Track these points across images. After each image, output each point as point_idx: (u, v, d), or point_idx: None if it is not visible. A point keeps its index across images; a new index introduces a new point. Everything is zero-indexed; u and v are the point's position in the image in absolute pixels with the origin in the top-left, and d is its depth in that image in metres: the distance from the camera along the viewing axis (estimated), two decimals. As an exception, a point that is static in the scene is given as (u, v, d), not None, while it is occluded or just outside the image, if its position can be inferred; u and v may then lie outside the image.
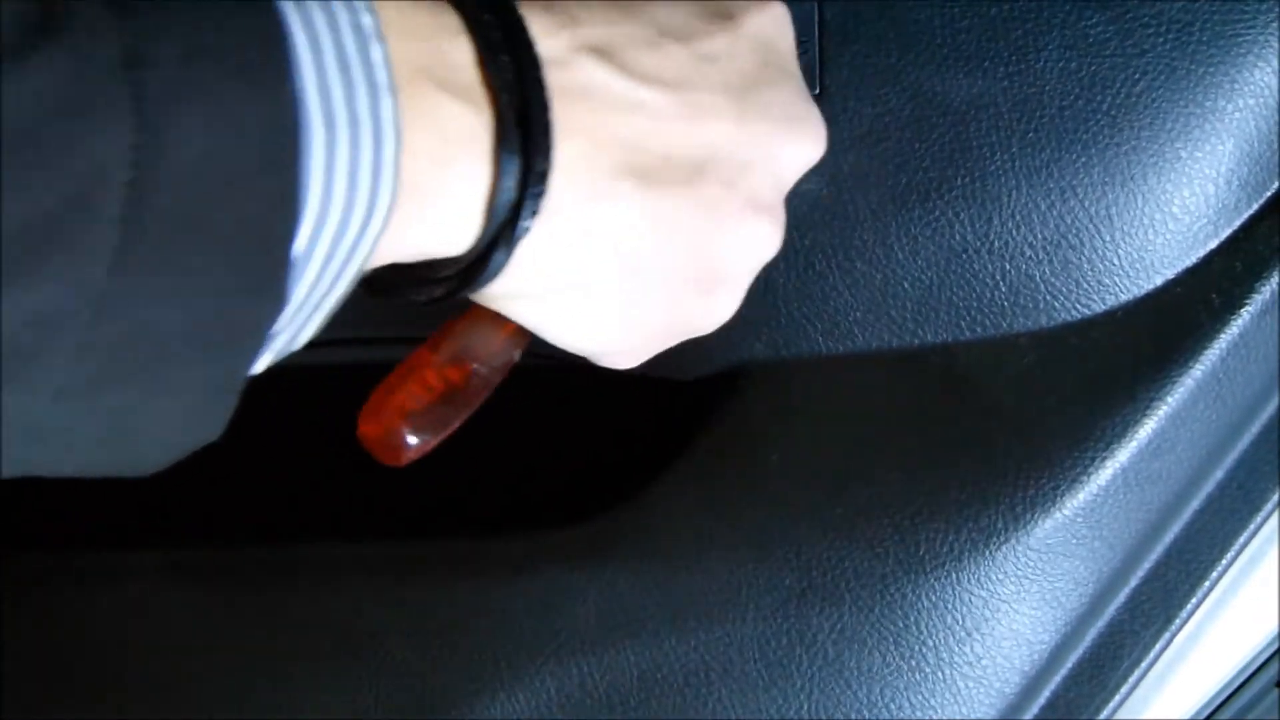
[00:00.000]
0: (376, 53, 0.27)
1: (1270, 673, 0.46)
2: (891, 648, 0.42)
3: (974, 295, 0.43)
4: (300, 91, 0.25)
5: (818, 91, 0.42)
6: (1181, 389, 0.41)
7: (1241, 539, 0.44)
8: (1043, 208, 0.42)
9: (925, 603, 0.42)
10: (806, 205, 0.42)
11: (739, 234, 0.35)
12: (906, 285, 0.43)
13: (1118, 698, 0.44)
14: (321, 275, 0.27)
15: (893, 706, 0.42)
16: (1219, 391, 0.42)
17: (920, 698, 0.42)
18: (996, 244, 0.42)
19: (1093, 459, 0.41)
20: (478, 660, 0.43)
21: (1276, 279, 0.41)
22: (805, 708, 0.42)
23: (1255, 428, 0.43)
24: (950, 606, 0.42)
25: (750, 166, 0.34)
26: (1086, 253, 0.42)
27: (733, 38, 0.34)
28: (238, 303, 0.25)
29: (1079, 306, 0.42)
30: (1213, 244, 0.42)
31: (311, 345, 0.29)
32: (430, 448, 0.34)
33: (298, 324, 0.28)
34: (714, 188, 0.34)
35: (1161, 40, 0.41)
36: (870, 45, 0.42)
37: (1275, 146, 0.41)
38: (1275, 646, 0.46)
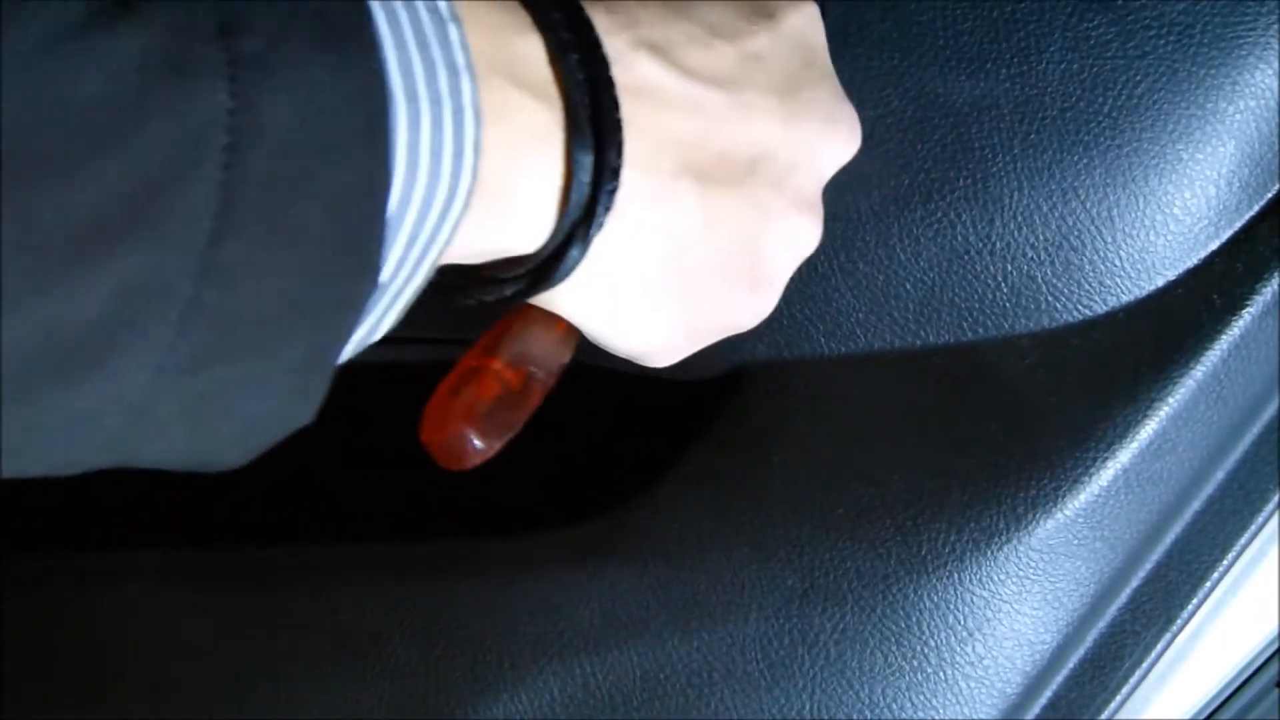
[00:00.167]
0: (454, 34, 0.27)
1: (1270, 673, 0.46)
2: (894, 648, 0.42)
3: (976, 296, 0.43)
4: (383, 66, 0.25)
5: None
6: (1183, 390, 0.41)
7: (1243, 540, 0.44)
8: (1044, 209, 0.42)
9: (927, 603, 0.42)
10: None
11: (786, 232, 0.35)
12: (908, 286, 0.43)
13: (1119, 698, 0.44)
14: (405, 258, 0.27)
15: (895, 706, 0.42)
16: (1220, 392, 0.42)
17: (922, 698, 0.42)
18: (998, 245, 0.42)
19: (1094, 459, 0.41)
20: (480, 660, 0.43)
21: (1277, 280, 0.42)
22: (807, 708, 0.42)
23: (1256, 429, 0.43)
24: (952, 607, 0.42)
25: (796, 166, 0.35)
26: (1088, 254, 0.42)
27: (775, 37, 0.35)
28: (334, 274, 0.25)
29: (1080, 307, 0.42)
30: (1214, 245, 0.42)
31: None
32: (494, 452, 0.34)
33: (379, 311, 0.28)
34: (764, 187, 0.34)
35: (1163, 42, 0.41)
36: (873, 47, 0.42)
37: (1276, 148, 0.41)
38: (1275, 647, 0.46)
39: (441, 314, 0.34)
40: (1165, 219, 0.42)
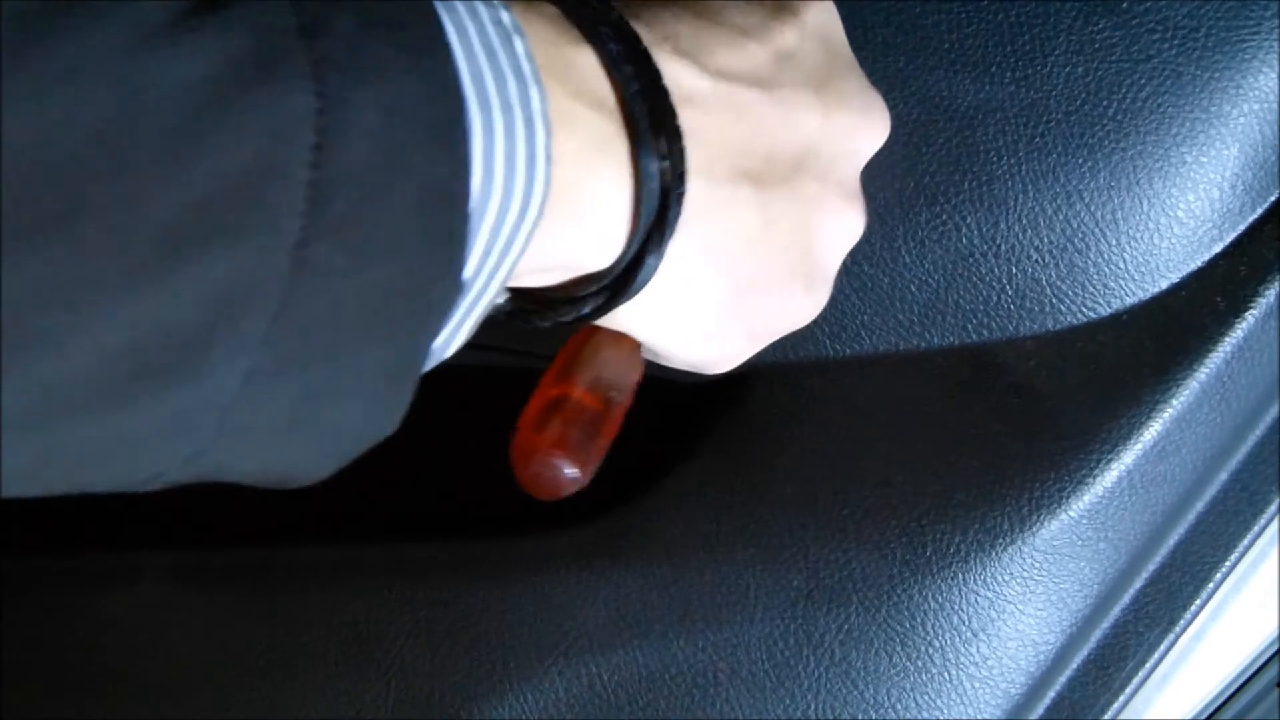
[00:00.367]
0: (519, 45, 0.27)
1: (1271, 673, 0.46)
2: (898, 648, 0.42)
3: (980, 298, 0.43)
4: (457, 73, 0.25)
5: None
6: (1186, 392, 0.42)
7: (1245, 541, 0.44)
8: (1049, 211, 0.42)
9: (932, 604, 0.42)
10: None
11: (836, 224, 0.35)
12: (913, 288, 0.43)
13: (1122, 698, 0.44)
14: (481, 267, 0.27)
15: (899, 707, 0.42)
16: (1223, 394, 0.42)
17: (926, 698, 0.42)
18: (1003, 247, 0.42)
19: (1098, 461, 0.42)
20: (486, 661, 0.44)
21: (1280, 283, 0.42)
22: (812, 708, 0.42)
23: (1258, 431, 0.43)
24: (957, 607, 0.42)
25: (837, 157, 0.35)
26: (1092, 256, 0.42)
27: (801, 33, 0.35)
28: (419, 276, 0.25)
29: (1084, 310, 0.43)
30: (1217, 248, 0.42)
31: None
32: (587, 480, 0.33)
33: (455, 320, 0.28)
34: (812, 182, 0.34)
35: (1167, 46, 0.41)
36: (878, 50, 0.42)
37: (1279, 152, 0.42)
38: (1276, 648, 0.46)
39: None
40: (1169, 222, 0.42)
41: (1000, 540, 0.42)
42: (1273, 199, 0.42)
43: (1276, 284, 0.42)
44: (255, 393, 0.23)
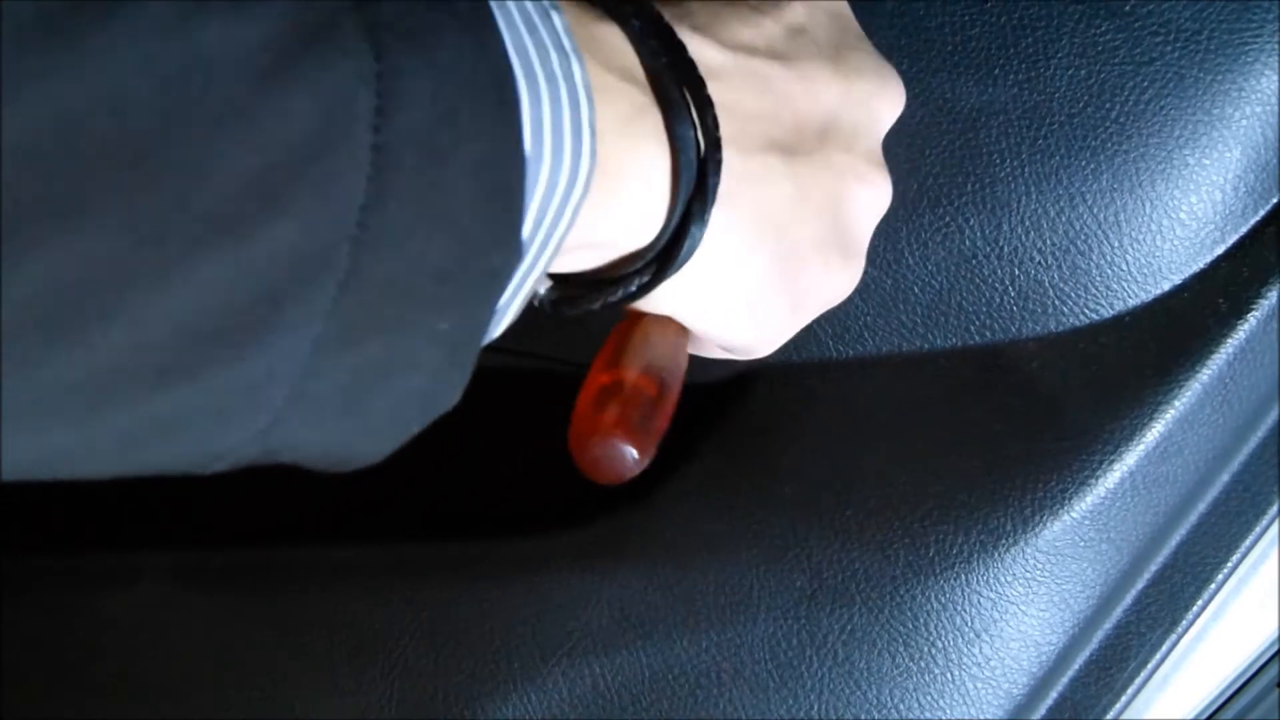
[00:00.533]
0: (557, 19, 0.27)
1: (1271, 674, 0.47)
2: (901, 649, 0.42)
3: (983, 300, 0.43)
4: (503, 42, 0.25)
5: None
6: (1188, 393, 0.42)
7: (1246, 542, 0.44)
8: (1052, 213, 0.42)
9: (934, 604, 0.42)
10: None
11: (866, 193, 0.35)
12: (916, 289, 0.43)
13: (1124, 699, 0.44)
14: (532, 237, 0.27)
15: (902, 707, 0.42)
16: (1225, 396, 0.42)
17: (929, 698, 0.42)
18: (1006, 249, 0.43)
19: (1100, 462, 0.42)
20: (490, 661, 0.44)
21: (1282, 285, 0.42)
22: (815, 708, 0.42)
23: (1260, 433, 0.43)
24: (959, 608, 0.42)
25: (860, 127, 0.35)
26: (1095, 258, 0.42)
27: (809, 8, 0.35)
28: (479, 242, 0.25)
29: (1087, 311, 0.43)
30: (1220, 250, 0.42)
31: None
32: (646, 463, 0.33)
33: (507, 298, 0.28)
34: (838, 151, 0.34)
35: (1170, 48, 0.41)
36: (882, 52, 0.42)
37: (1281, 154, 0.42)
38: (1276, 648, 0.46)
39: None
40: (1171, 224, 0.42)
41: (1003, 541, 0.42)
42: (1274, 201, 0.42)
43: (1278, 285, 0.42)
44: (323, 364, 0.23)
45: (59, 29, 0.19)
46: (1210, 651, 0.46)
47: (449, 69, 0.23)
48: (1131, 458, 0.42)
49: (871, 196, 0.36)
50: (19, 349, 0.20)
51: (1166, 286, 0.42)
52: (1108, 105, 0.41)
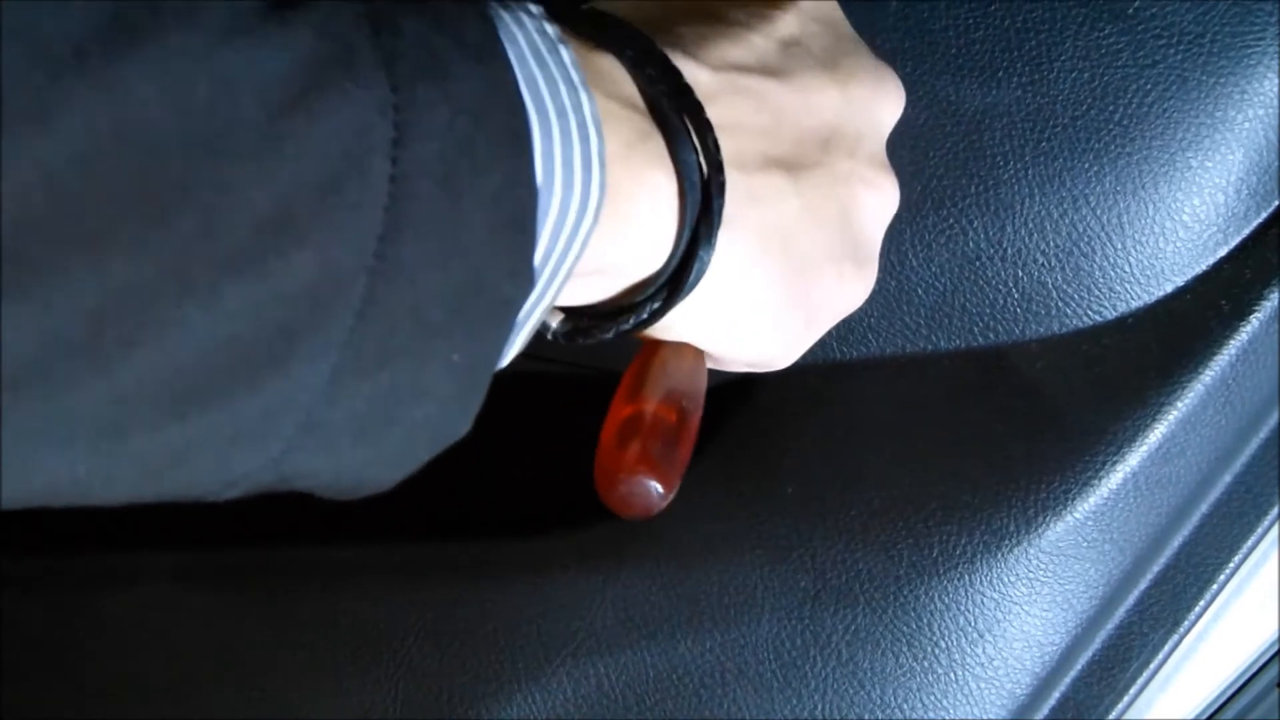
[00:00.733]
0: (565, 54, 0.27)
1: (1271, 674, 0.47)
2: (904, 649, 0.42)
3: (987, 301, 0.43)
4: (514, 76, 0.25)
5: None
6: (1191, 394, 0.42)
7: (1248, 543, 0.44)
8: (1055, 215, 0.42)
9: (938, 604, 0.42)
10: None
11: (873, 199, 0.36)
12: (920, 291, 0.43)
13: (1126, 699, 0.44)
14: (542, 268, 0.27)
15: (905, 707, 0.43)
16: (1227, 397, 0.42)
17: (932, 698, 0.43)
18: (1009, 251, 0.43)
19: (1103, 463, 0.42)
20: (493, 661, 0.44)
21: (1284, 287, 0.42)
22: (819, 708, 0.43)
23: (1262, 434, 0.44)
24: (963, 608, 0.42)
25: (862, 132, 0.35)
26: (1098, 260, 0.42)
27: (800, 19, 0.35)
28: (493, 272, 0.25)
29: (1090, 313, 0.43)
30: (1222, 252, 0.43)
31: None
32: (673, 494, 0.33)
33: (516, 326, 0.28)
34: (842, 160, 0.35)
35: (1173, 51, 0.41)
36: (886, 55, 0.42)
37: (1283, 157, 0.42)
38: (1276, 649, 0.46)
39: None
40: (1174, 226, 0.42)
41: (1006, 542, 0.42)
42: (1276, 203, 0.43)
43: None
44: (338, 393, 0.23)
45: (87, 56, 0.19)
46: (1211, 651, 0.46)
47: (464, 99, 0.23)
48: (1134, 459, 0.42)
49: (879, 200, 0.36)
50: (41, 377, 0.20)
51: (1169, 288, 0.43)
52: (1111, 108, 0.42)
